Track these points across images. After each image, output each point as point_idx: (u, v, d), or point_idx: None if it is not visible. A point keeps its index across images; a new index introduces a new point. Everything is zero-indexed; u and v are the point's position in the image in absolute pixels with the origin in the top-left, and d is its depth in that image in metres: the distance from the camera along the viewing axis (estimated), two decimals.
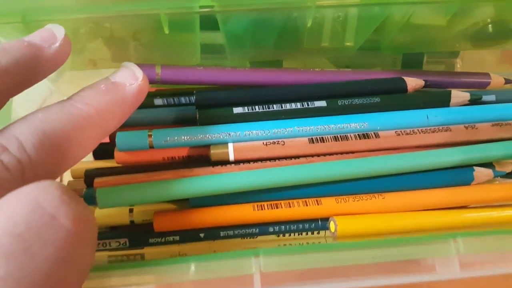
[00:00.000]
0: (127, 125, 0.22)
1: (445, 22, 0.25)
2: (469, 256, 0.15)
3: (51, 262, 0.12)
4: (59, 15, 0.19)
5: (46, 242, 0.12)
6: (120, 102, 0.16)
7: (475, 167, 0.22)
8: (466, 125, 0.23)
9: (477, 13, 0.25)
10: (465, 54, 0.29)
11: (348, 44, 0.26)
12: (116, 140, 0.21)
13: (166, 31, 0.21)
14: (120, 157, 0.22)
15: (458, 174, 0.22)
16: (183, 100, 0.23)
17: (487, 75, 0.25)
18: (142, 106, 0.23)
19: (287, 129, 0.22)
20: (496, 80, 0.25)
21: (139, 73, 0.17)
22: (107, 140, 0.23)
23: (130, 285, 0.16)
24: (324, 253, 0.15)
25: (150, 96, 0.23)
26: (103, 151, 0.23)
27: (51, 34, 0.16)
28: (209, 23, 0.24)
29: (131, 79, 0.17)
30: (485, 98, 0.24)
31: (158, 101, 0.23)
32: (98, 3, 0.20)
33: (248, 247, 0.20)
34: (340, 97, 0.23)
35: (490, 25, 0.25)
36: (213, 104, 0.22)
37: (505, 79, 0.26)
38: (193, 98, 0.23)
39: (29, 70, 0.16)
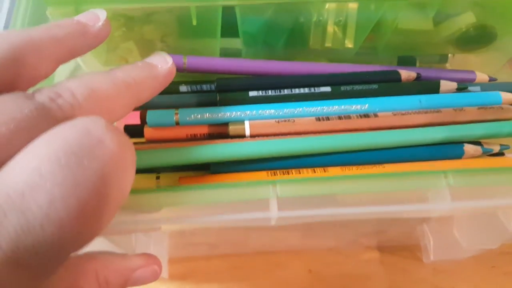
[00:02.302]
0: (157, 108, 0.25)
1: (431, 27, 0.29)
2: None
3: (99, 175, 0.14)
4: (106, 4, 0.23)
5: (95, 158, 0.14)
6: (152, 79, 0.20)
7: (465, 143, 0.25)
8: (455, 108, 0.26)
9: (459, 18, 0.29)
10: (454, 60, 0.32)
11: (348, 45, 0.29)
12: (147, 116, 0.24)
13: (194, 22, 0.24)
14: (149, 133, 0.25)
15: (450, 149, 0.25)
16: (205, 87, 0.27)
17: (472, 72, 0.29)
18: (170, 92, 0.26)
19: (297, 109, 0.25)
20: (481, 77, 0.29)
21: (169, 60, 0.21)
22: (138, 122, 0.26)
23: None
24: (332, 182, 0.17)
25: (176, 83, 0.27)
26: (134, 130, 0.26)
27: (95, 16, 0.20)
28: (228, 30, 0.28)
29: (162, 63, 0.20)
30: (471, 88, 0.27)
31: (183, 88, 0.26)
32: None
33: None
34: (343, 85, 0.26)
35: (472, 30, 0.29)
36: (231, 89, 0.26)
37: (489, 76, 0.29)
38: (214, 86, 0.26)
39: (77, 43, 0.19)
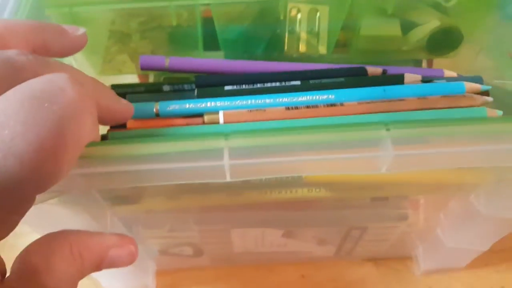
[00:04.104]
0: None
1: (399, 33, 0.31)
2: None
3: (57, 116, 0.16)
4: (94, 5, 0.26)
5: (55, 102, 0.16)
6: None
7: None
8: (419, 96, 0.27)
9: (426, 25, 0.31)
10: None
11: (322, 51, 0.32)
12: None
13: (174, 23, 0.27)
14: (131, 124, 0.27)
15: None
16: (186, 87, 0.29)
17: (441, 70, 0.30)
18: (154, 91, 0.29)
19: (268, 100, 0.27)
20: (449, 74, 0.30)
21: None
22: None
23: None
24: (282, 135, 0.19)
25: (160, 84, 0.29)
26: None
27: (76, 28, 0.23)
28: (210, 44, 0.31)
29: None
30: (436, 82, 0.29)
31: (166, 87, 0.29)
32: None
33: None
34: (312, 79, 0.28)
35: (438, 33, 0.31)
36: (209, 85, 0.28)
37: (457, 74, 0.30)
38: (193, 85, 0.29)
39: (53, 38, 0.21)
